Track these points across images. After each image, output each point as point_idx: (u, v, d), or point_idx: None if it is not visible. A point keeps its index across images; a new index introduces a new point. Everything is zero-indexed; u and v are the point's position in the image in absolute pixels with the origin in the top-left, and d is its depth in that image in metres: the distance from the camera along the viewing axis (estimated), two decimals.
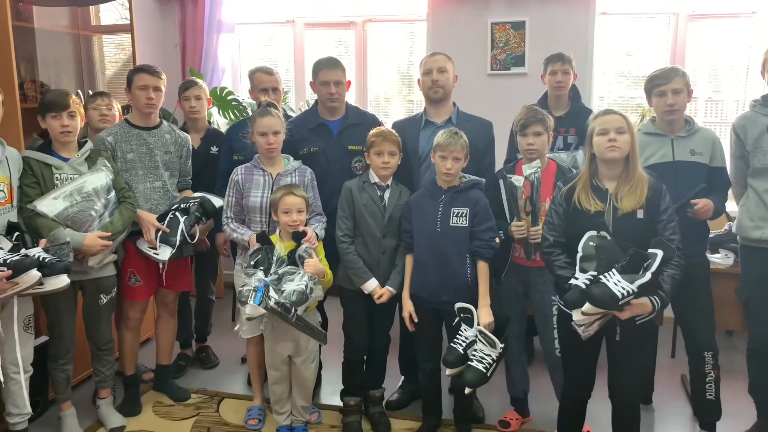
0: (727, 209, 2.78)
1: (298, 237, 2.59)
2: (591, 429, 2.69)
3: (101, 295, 2.73)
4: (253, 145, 2.79)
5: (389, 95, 5.00)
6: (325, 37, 4.94)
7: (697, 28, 4.33)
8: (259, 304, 2.40)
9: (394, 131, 2.75)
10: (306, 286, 2.44)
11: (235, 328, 2.73)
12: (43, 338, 2.77)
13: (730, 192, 2.75)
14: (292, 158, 2.87)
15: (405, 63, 4.88)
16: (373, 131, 2.74)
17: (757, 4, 4.15)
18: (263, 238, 2.59)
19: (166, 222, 2.79)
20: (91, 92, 3.41)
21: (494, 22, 4.28)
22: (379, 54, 4.87)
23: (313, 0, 4.76)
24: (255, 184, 2.77)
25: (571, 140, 3.18)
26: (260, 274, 2.46)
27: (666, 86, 2.58)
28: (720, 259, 3.35)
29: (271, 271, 2.47)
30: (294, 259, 2.51)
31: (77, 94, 2.96)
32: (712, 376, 2.65)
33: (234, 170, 2.82)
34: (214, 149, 3.38)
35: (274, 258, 2.49)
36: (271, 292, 2.41)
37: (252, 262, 2.50)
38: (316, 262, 2.54)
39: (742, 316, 2.86)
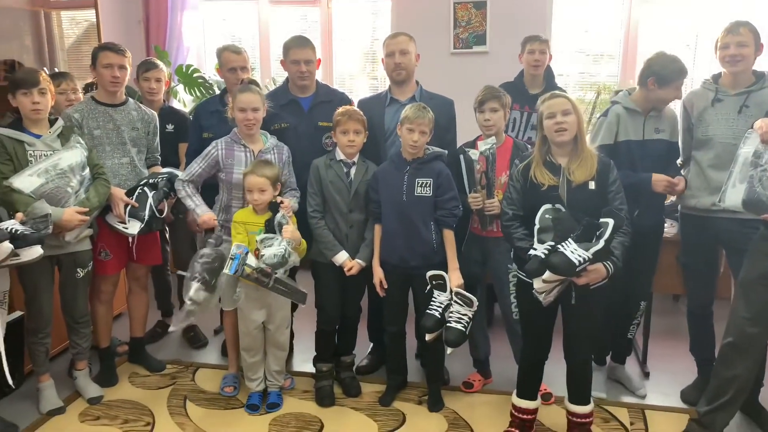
0: None
1: (274, 207, 2.67)
2: (548, 387, 2.87)
3: (78, 269, 2.78)
4: (232, 120, 2.80)
5: (354, 73, 5.05)
6: (290, 14, 4.96)
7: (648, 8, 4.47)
8: (234, 273, 2.49)
9: (359, 110, 2.83)
10: (285, 250, 2.54)
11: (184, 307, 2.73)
12: (17, 314, 2.82)
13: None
14: (269, 135, 2.89)
15: (369, 40, 4.92)
16: (338, 110, 2.80)
17: None
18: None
19: (134, 197, 2.85)
20: (56, 70, 3.38)
21: (457, 2, 4.36)
22: (344, 31, 4.90)
23: None
24: (237, 160, 2.78)
25: None
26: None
27: (677, 81, 2.68)
28: (667, 227, 3.54)
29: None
30: (271, 228, 2.60)
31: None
32: (638, 321, 3.01)
33: (213, 143, 2.81)
34: (169, 127, 3.39)
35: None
36: (249, 260, 2.51)
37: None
38: (294, 229, 2.63)
39: None
